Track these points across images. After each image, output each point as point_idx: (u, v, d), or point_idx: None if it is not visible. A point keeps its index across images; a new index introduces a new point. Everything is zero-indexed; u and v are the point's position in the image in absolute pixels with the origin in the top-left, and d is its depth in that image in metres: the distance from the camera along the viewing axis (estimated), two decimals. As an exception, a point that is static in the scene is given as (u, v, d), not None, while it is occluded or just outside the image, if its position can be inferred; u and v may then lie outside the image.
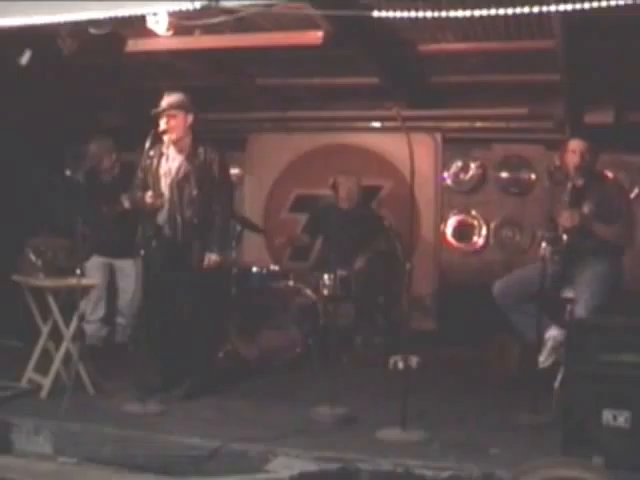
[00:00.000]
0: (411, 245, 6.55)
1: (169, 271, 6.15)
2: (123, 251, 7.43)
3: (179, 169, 6.17)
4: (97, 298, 7.48)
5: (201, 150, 6.17)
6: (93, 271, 7.36)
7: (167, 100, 6.12)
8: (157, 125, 6.09)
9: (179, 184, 6.15)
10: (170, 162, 6.21)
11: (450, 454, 4.81)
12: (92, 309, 7.47)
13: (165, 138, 6.13)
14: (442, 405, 6.11)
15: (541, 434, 5.12)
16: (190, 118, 6.16)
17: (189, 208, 6.13)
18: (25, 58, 5.94)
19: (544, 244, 6.04)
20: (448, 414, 5.84)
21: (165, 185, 6.19)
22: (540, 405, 5.52)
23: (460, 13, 5.17)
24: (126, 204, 6.24)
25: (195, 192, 6.12)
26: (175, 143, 6.16)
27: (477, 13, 5.14)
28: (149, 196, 6.08)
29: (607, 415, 4.58)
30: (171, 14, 5.34)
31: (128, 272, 7.46)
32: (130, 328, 7.53)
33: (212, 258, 6.12)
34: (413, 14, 5.23)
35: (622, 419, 4.55)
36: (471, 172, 9.50)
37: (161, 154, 6.22)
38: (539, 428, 5.29)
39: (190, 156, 6.16)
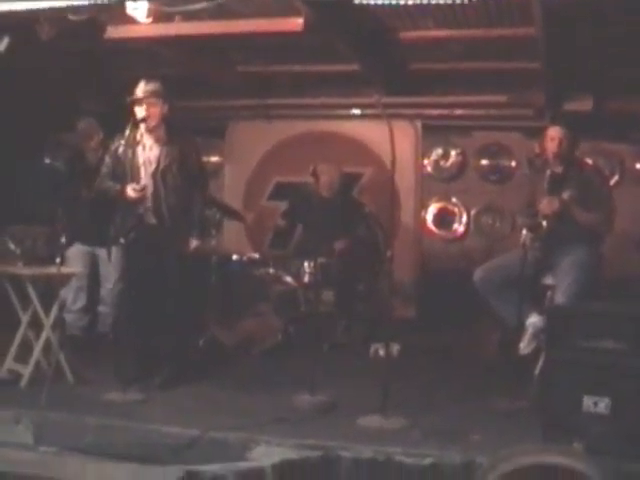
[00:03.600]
0: (392, 232, 6.56)
1: (152, 258, 6.14)
2: (105, 239, 7.32)
3: (160, 158, 6.13)
4: (78, 287, 7.38)
5: (178, 139, 6.17)
6: (74, 260, 7.26)
7: (146, 87, 6.06)
8: (133, 113, 6.05)
9: (162, 173, 6.12)
10: (148, 151, 6.15)
11: (431, 441, 4.81)
12: (73, 298, 7.38)
13: (142, 126, 6.08)
14: (423, 392, 6.10)
15: (522, 421, 5.13)
16: (166, 107, 6.14)
17: (173, 196, 6.13)
18: (3, 45, 5.90)
19: (524, 231, 6.05)
20: (429, 401, 5.85)
21: (146, 174, 6.14)
22: (521, 392, 5.55)
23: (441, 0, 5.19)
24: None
25: (179, 180, 6.13)
26: (151, 131, 6.11)
27: (458, 0, 5.15)
28: (131, 189, 6.03)
29: (587, 401, 4.59)
30: (151, 1, 5.31)
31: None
32: (111, 317, 7.48)
33: (195, 242, 6.21)
34: (394, 1, 5.24)
35: (602, 405, 4.56)
36: (451, 159, 9.54)
37: (137, 143, 6.16)
38: (520, 415, 5.30)
39: (169, 145, 6.15)
